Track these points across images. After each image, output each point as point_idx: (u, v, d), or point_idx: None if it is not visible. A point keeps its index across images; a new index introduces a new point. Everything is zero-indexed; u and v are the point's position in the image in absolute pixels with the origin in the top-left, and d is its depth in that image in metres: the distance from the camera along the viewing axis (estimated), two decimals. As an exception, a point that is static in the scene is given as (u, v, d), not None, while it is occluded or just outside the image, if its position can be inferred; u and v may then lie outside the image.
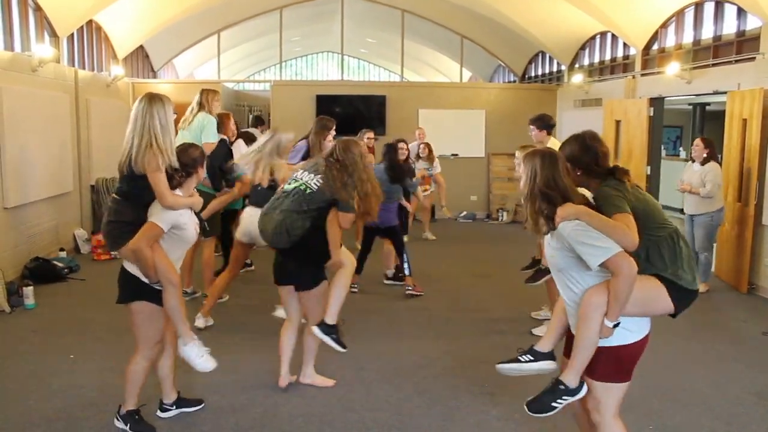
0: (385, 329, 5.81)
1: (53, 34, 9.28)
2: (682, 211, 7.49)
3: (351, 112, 12.41)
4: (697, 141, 7.26)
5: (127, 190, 3.58)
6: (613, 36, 11.40)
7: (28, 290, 6.27)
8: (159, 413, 3.98)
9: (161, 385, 3.97)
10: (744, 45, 8.15)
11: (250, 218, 5.28)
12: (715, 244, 7.53)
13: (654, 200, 3.10)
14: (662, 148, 10.65)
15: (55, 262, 7.52)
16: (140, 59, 13.77)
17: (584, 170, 3.03)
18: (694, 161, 7.27)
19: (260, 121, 10.87)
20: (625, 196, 2.89)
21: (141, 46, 13.34)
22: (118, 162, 3.59)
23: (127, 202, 3.57)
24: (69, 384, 4.51)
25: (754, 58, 7.57)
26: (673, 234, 2.95)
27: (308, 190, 4.03)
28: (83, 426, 3.91)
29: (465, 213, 12.63)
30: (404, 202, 7.52)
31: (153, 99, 3.63)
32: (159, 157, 3.45)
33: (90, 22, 10.64)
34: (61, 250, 8.17)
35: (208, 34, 14.98)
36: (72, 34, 9.99)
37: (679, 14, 9.53)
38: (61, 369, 4.77)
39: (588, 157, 3.02)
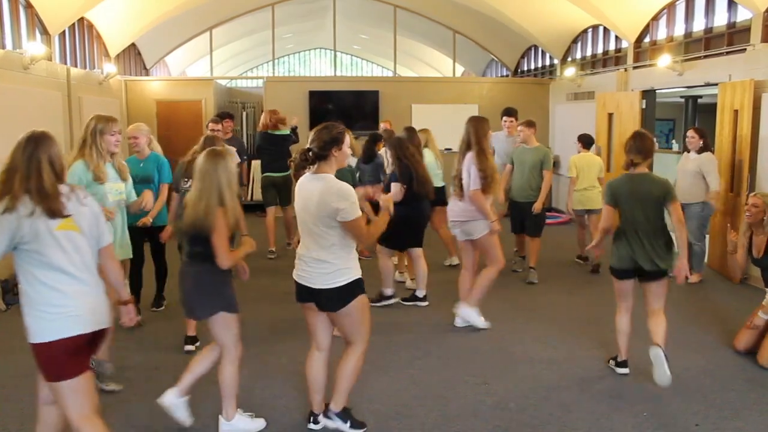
0: (378, 321, 5.82)
1: (44, 32, 9.25)
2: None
3: (344, 108, 12.43)
4: (692, 132, 7.29)
5: (203, 251, 3.56)
6: (605, 29, 11.44)
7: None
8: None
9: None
10: (735, 37, 8.20)
11: None
12: (707, 235, 7.58)
13: None
14: (655, 140, 10.69)
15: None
16: (132, 57, 13.75)
17: None
18: (689, 151, 7.30)
19: (223, 117, 8.52)
20: None
21: (133, 44, 13.32)
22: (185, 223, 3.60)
23: (207, 264, 3.57)
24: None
25: (745, 49, 7.62)
26: None
27: None
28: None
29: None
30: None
31: (217, 156, 3.59)
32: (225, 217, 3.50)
33: (81, 20, 10.61)
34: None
35: (200, 31, 14.96)
36: (63, 32, 9.96)
37: (670, 7, 9.58)
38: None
39: None
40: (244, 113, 13.68)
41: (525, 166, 7.25)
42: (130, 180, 4.96)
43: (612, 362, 4.74)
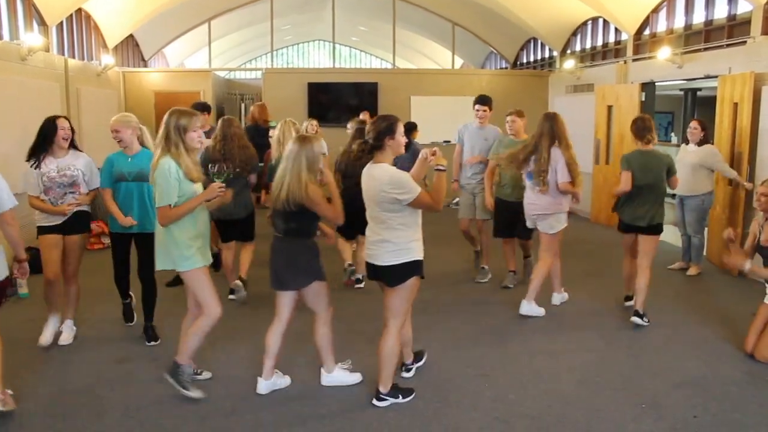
0: (377, 314, 5.81)
1: (42, 23, 9.21)
2: (673, 196, 7.51)
3: (342, 100, 12.40)
4: (694, 123, 7.27)
5: (297, 227, 4.03)
6: (605, 21, 11.41)
7: (22, 280, 6.25)
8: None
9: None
10: (735, 29, 8.18)
11: None
12: (706, 228, 7.58)
13: None
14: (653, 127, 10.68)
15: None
16: (130, 48, 13.70)
17: None
18: (688, 143, 7.30)
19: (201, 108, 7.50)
20: None
21: (131, 35, 13.27)
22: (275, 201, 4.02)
23: (301, 239, 4.06)
24: (63, 372, 4.52)
25: (745, 42, 7.61)
26: None
27: None
28: (79, 412, 3.92)
29: (457, 199, 12.60)
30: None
31: (305, 140, 4.05)
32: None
33: (79, 11, 10.56)
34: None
35: (199, 23, 14.91)
36: (61, 23, 9.92)
37: (670, -1, 9.56)
38: (55, 357, 4.78)
39: None
40: (243, 105, 13.65)
41: None
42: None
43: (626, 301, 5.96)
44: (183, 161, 3.99)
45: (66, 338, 5.02)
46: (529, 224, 6.04)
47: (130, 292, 5.40)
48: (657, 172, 5.55)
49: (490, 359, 4.80)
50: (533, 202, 5.83)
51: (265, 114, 9.31)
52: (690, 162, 7.10)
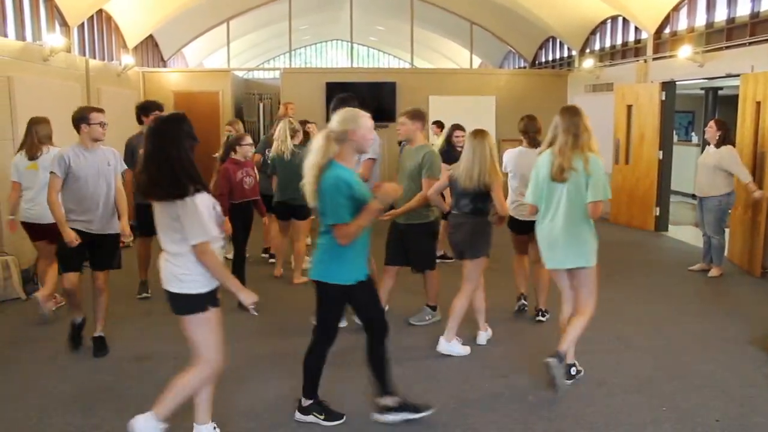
0: (392, 315, 5.82)
1: (64, 24, 9.32)
2: (693, 196, 7.44)
3: (361, 100, 12.33)
4: (711, 123, 7.19)
5: (483, 207, 4.74)
6: (625, 20, 11.32)
7: None
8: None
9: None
10: (758, 27, 8.08)
11: None
12: (727, 229, 7.49)
13: None
14: (674, 133, 10.58)
15: (69, 250, 7.56)
16: (150, 48, 13.81)
17: None
18: (710, 144, 7.21)
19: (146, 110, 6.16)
20: None
21: (150, 36, 13.38)
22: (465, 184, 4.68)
23: (482, 217, 4.74)
24: (85, 369, 4.57)
25: (768, 40, 7.51)
26: None
27: None
28: (100, 409, 3.96)
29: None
30: None
31: (482, 133, 4.75)
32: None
33: (100, 12, 10.68)
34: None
35: (218, 23, 15.00)
36: (82, 24, 10.03)
37: (692, -3, 9.46)
38: (77, 355, 4.83)
39: None
40: (261, 104, 13.72)
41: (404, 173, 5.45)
42: None
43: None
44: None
45: None
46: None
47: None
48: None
49: (508, 360, 4.78)
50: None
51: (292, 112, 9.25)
52: (709, 164, 7.01)
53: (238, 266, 6.03)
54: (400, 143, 6.32)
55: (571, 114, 4.13)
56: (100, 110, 4.85)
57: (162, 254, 3.30)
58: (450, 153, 7.00)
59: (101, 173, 4.74)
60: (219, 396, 3.62)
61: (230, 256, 6.61)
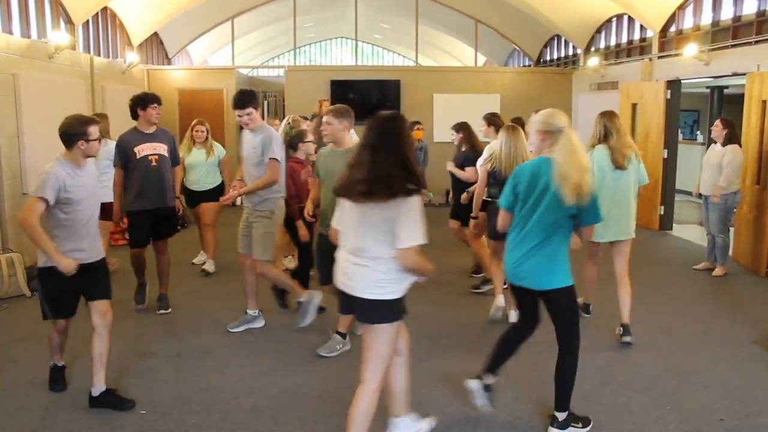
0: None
1: (69, 21, 9.32)
2: (698, 195, 7.42)
3: (366, 97, 12.40)
4: (717, 122, 7.18)
5: None
6: (630, 18, 11.28)
7: None
8: None
9: None
10: (764, 25, 8.04)
11: None
12: (732, 228, 7.46)
13: None
14: (679, 132, 10.54)
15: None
16: (155, 46, 13.82)
17: None
18: (715, 142, 7.19)
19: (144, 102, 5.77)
20: None
21: (155, 33, 13.38)
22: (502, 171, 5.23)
23: None
24: (87, 365, 4.57)
25: (774, 38, 7.47)
26: None
27: None
28: (105, 407, 3.96)
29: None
30: None
31: (515, 129, 5.38)
32: None
33: (105, 9, 10.68)
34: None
35: (222, 20, 14.99)
36: (87, 21, 10.03)
37: (698, -5, 9.42)
38: (81, 353, 4.83)
39: None
40: (266, 102, 13.71)
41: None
42: None
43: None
44: None
45: None
46: None
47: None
48: None
49: (512, 358, 4.76)
50: None
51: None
52: (714, 163, 7.01)
53: (302, 275, 5.63)
54: (317, 146, 5.73)
55: (616, 117, 5.21)
56: (97, 121, 4.05)
57: (346, 259, 3.11)
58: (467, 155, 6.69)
59: (93, 194, 4.08)
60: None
61: (292, 266, 6.54)
